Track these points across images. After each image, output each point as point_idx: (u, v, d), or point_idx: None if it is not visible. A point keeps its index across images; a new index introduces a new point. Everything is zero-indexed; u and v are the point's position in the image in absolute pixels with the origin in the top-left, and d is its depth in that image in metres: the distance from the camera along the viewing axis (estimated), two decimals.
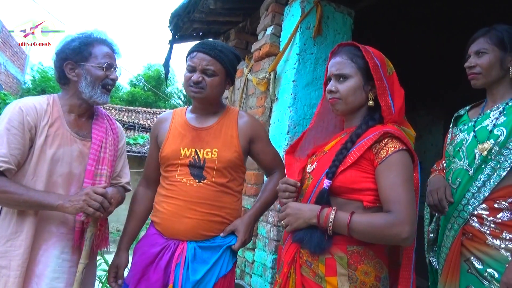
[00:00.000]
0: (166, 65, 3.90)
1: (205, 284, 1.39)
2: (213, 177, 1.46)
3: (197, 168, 1.46)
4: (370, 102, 1.24)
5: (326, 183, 1.16)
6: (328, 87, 1.28)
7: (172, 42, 3.77)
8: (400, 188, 1.08)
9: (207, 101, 1.51)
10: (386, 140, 1.14)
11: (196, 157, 1.47)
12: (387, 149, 1.13)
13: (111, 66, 1.49)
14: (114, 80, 1.50)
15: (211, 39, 1.61)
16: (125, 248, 1.59)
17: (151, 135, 1.65)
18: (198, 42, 1.55)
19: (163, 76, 21.24)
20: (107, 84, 1.48)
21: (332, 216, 1.11)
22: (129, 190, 1.70)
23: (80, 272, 1.38)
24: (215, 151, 1.47)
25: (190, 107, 1.63)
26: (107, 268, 3.41)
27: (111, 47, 1.52)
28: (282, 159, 1.68)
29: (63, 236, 1.43)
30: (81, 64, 1.44)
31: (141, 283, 1.41)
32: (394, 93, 1.24)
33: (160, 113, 15.05)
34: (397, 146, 1.12)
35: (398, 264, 1.21)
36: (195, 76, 1.45)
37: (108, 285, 3.21)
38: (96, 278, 3.25)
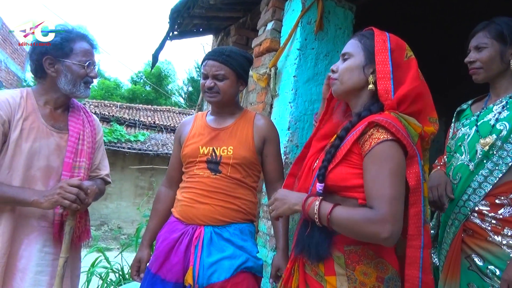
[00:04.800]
0: (155, 55, 3.93)
1: (221, 270, 1.46)
2: (228, 171, 1.57)
3: (213, 163, 1.58)
4: (370, 86, 1.14)
5: (318, 186, 1.11)
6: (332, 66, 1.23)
7: (166, 38, 3.76)
8: (383, 183, 0.99)
9: (222, 103, 1.63)
10: (371, 130, 1.05)
11: (213, 154, 1.59)
12: (371, 140, 1.04)
13: (91, 64, 1.48)
14: (94, 78, 1.51)
15: (221, 47, 1.74)
16: (148, 244, 1.70)
17: (175, 137, 1.78)
18: (210, 51, 1.69)
19: (164, 73, 21.26)
20: (87, 82, 1.49)
21: (316, 206, 1.06)
22: (109, 183, 1.69)
23: (61, 266, 1.37)
24: (230, 148, 1.58)
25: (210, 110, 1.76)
26: (107, 265, 3.42)
27: (91, 43, 1.51)
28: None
29: (44, 229, 1.43)
30: (61, 60, 1.42)
31: (163, 266, 1.51)
32: (406, 79, 1.13)
33: (161, 110, 14.94)
34: (382, 137, 1.02)
35: None
36: (208, 82, 1.59)
37: (108, 281, 3.22)
38: (96, 275, 3.26)
